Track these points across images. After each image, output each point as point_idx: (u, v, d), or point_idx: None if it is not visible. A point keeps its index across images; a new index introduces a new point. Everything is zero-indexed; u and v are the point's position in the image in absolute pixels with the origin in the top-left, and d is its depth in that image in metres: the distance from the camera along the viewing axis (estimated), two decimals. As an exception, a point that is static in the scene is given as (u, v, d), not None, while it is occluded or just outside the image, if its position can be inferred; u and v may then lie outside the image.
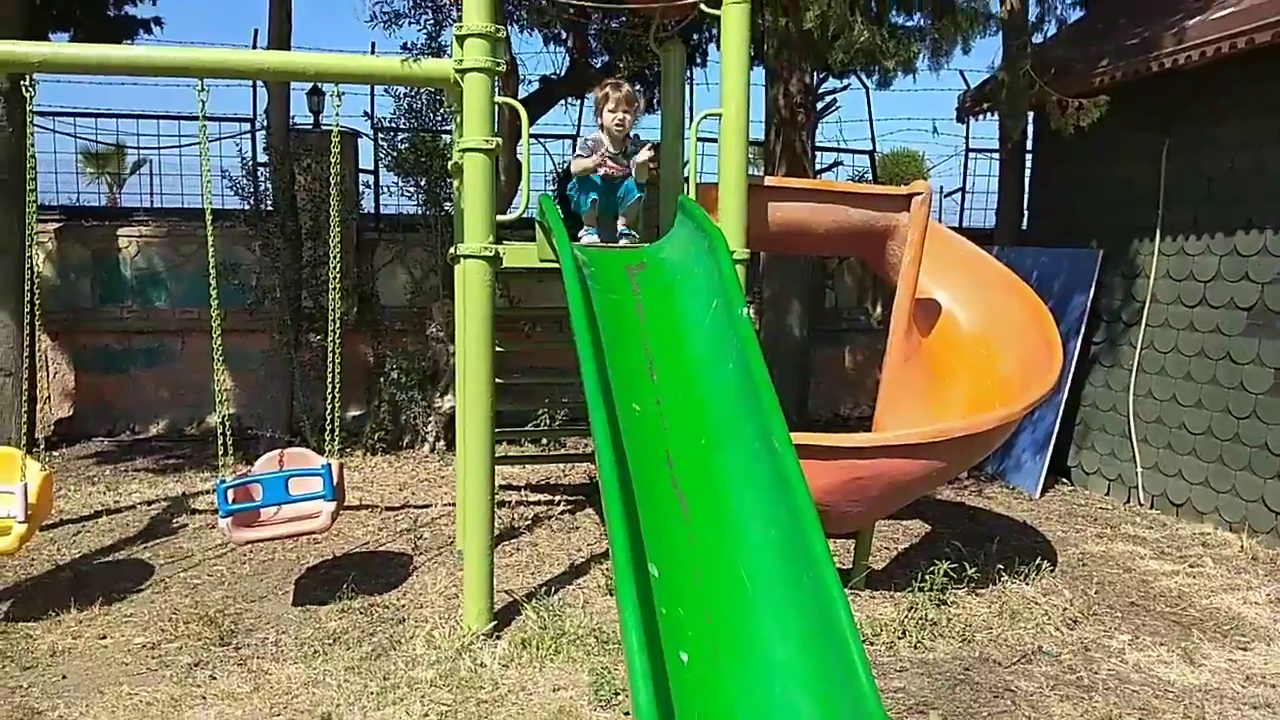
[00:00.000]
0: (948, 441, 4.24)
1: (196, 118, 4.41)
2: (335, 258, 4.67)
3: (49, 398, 8.85)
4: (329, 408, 4.73)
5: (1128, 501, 6.88)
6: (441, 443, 7.96)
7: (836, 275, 10.18)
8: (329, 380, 4.73)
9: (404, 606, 4.61)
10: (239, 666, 3.97)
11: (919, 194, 4.72)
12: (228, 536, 4.43)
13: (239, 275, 8.25)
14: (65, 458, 7.97)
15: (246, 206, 8.33)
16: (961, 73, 9.36)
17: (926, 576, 4.62)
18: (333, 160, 4.53)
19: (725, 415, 3.29)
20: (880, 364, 10.38)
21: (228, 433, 4.55)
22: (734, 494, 3.06)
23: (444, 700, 3.59)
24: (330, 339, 4.71)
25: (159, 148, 9.48)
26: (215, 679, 3.85)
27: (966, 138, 10.51)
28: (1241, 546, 5.69)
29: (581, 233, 4.55)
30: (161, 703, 3.62)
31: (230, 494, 4.42)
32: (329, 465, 4.53)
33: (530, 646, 4.02)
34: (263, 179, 8.38)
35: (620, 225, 4.59)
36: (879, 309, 10.25)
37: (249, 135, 9.02)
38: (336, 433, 4.75)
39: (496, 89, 4.20)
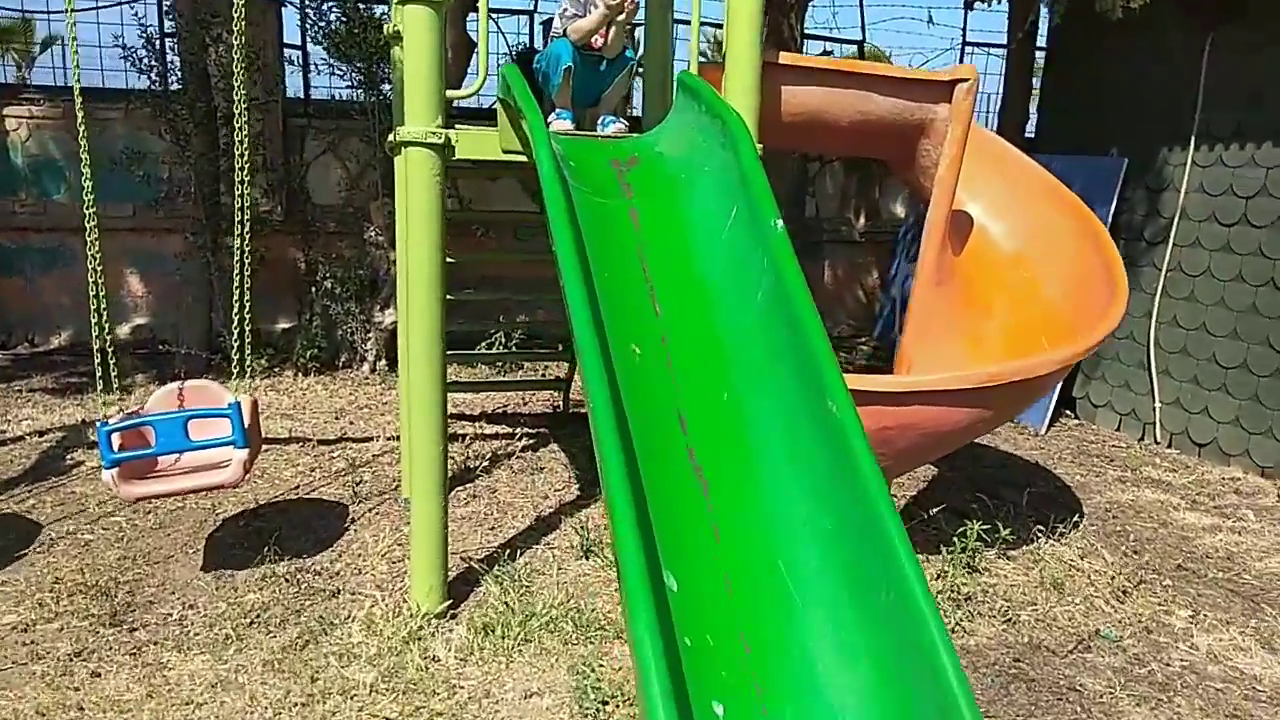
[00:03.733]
0: (999, 387, 3.51)
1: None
2: (241, 131, 3.74)
3: (-68, 302, 7.77)
4: (237, 328, 3.84)
5: (1142, 439, 6.30)
6: (383, 362, 7.08)
7: (818, 181, 9.33)
8: (237, 293, 3.84)
9: (339, 573, 3.83)
10: (130, 657, 3.19)
11: (964, 80, 3.89)
12: (115, 491, 3.56)
13: (144, 166, 7.15)
14: (-51, 374, 6.96)
15: (154, 85, 7.16)
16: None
17: (955, 538, 3.97)
18: (235, 15, 3.55)
19: (754, 361, 2.51)
20: (862, 280, 9.77)
21: (109, 360, 3.67)
22: (771, 470, 2.30)
23: (388, 713, 2.85)
24: (237, 238, 3.78)
25: (48, 13, 8.14)
26: (99, 676, 3.07)
27: (964, 29, 9.59)
28: None
29: (551, 116, 3.62)
30: (25, 716, 2.83)
31: (116, 439, 3.56)
32: (238, 404, 3.67)
33: (494, 633, 3.28)
34: (171, 52, 7.19)
35: (603, 111, 3.70)
36: (862, 219, 9.48)
37: (154, 3, 7.74)
38: (248, 362, 3.88)
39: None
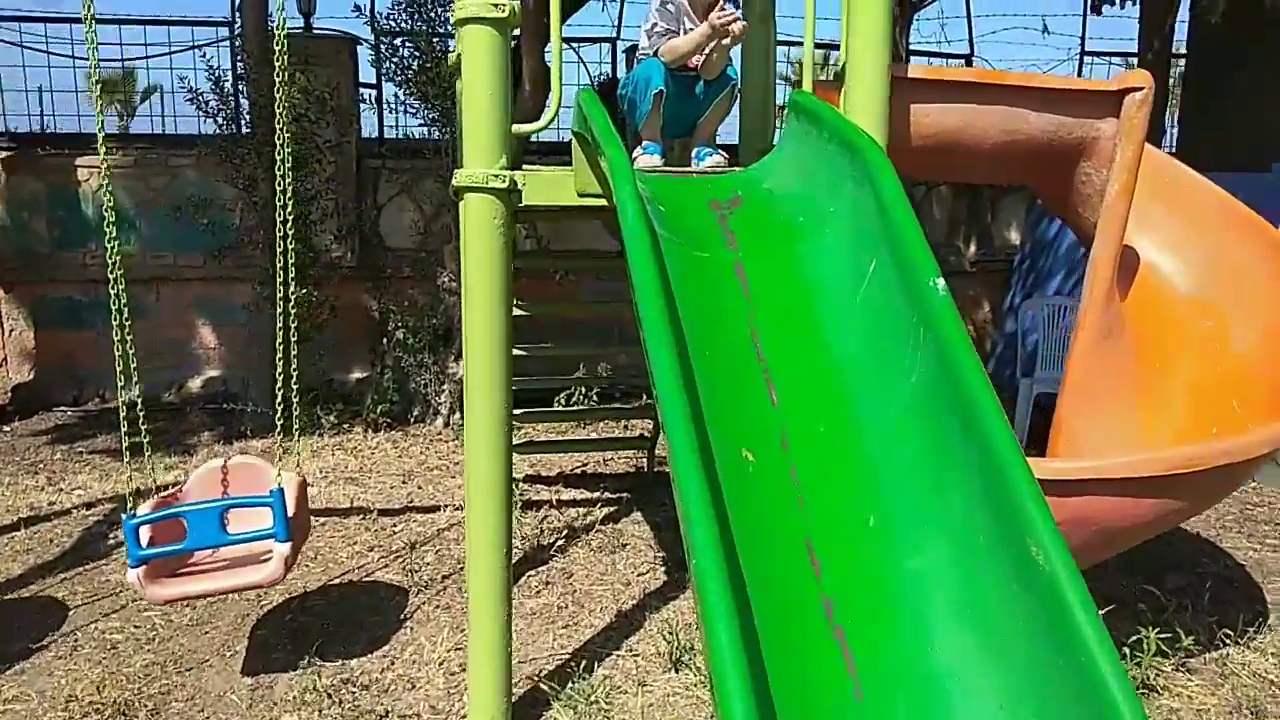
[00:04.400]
0: (1198, 474, 2.77)
1: (163, 21, 3.03)
2: (284, 180, 3.36)
3: (5, 359, 7.62)
4: (281, 403, 3.42)
5: (1323, 500, 5.39)
6: (457, 416, 6.59)
7: (923, 206, 8.57)
8: (281, 362, 3.44)
9: (389, 688, 3.28)
10: (141, 805, 2.68)
11: (1137, 90, 3.18)
12: (141, 593, 3.11)
13: (208, 213, 6.88)
14: (16, 434, 6.73)
15: (223, 130, 6.87)
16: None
17: (1126, 647, 3.22)
18: (277, 36, 3.10)
19: (910, 471, 1.86)
20: (972, 314, 8.96)
21: (145, 443, 3.30)
22: (946, 641, 1.64)
23: None
24: (280, 308, 3.39)
25: (122, 59, 7.98)
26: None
27: (1083, 38, 8.74)
28: None
29: (637, 151, 3.04)
30: None
31: (144, 533, 3.10)
32: (280, 491, 3.18)
33: (568, 784, 2.68)
34: (241, 95, 6.93)
35: (698, 141, 3.11)
36: (973, 248, 8.69)
37: (226, 44, 7.52)
38: (295, 435, 3.44)
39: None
